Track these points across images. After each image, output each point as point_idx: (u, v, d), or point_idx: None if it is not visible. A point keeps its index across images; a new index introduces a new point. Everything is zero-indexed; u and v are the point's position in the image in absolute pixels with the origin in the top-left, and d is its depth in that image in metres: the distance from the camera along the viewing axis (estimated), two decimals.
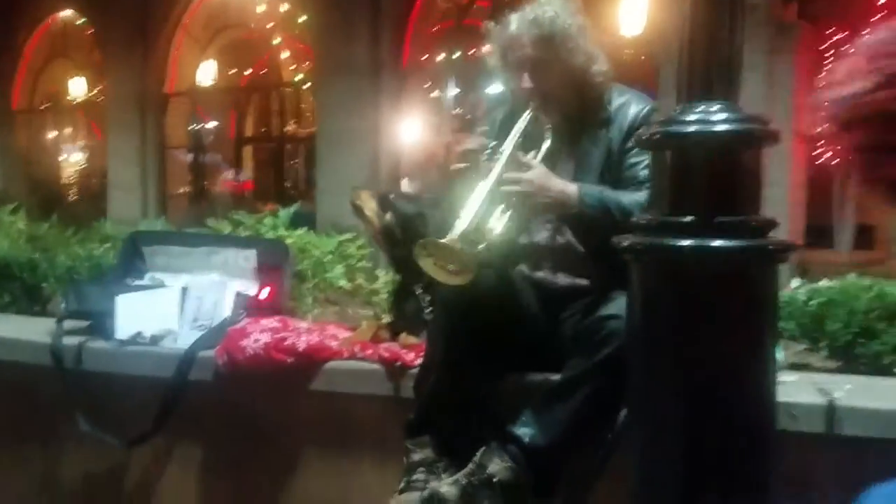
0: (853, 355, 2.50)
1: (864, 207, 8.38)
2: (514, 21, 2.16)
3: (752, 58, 1.66)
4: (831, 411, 2.07)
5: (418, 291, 2.47)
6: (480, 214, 1.99)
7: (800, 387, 2.24)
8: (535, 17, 2.13)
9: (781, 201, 7.36)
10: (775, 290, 1.69)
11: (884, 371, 2.47)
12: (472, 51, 10.76)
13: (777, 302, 1.76)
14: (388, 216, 2.47)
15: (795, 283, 2.76)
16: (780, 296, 2.49)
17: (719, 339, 1.59)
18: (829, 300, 2.56)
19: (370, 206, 2.51)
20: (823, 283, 2.73)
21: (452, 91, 10.35)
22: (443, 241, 1.88)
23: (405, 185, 10.77)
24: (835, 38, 7.74)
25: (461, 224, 1.92)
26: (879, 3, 7.46)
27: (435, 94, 11.31)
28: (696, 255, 1.58)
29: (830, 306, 2.54)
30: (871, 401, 2.10)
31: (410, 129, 10.57)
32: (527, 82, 2.16)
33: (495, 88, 11.39)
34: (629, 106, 2.21)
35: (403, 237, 2.41)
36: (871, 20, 7.48)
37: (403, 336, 2.49)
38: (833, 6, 7.60)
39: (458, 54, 10.32)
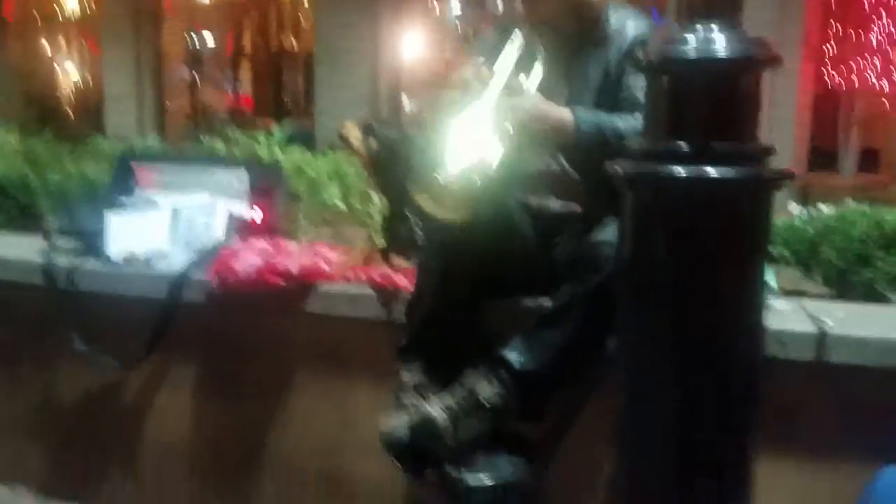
0: (848, 283, 2.49)
1: (870, 131, 8.29)
2: None
3: None
4: (822, 339, 2.07)
5: (409, 215, 2.44)
6: (475, 145, 1.93)
7: (791, 315, 2.24)
8: None
9: (787, 123, 7.25)
10: (769, 218, 1.66)
11: (878, 298, 2.47)
12: None
13: (770, 231, 1.73)
14: (374, 145, 2.43)
15: (794, 208, 2.72)
16: (778, 221, 2.48)
17: (708, 267, 1.57)
18: (826, 226, 2.54)
19: (355, 134, 2.47)
20: (822, 209, 2.70)
21: (455, 5, 10.06)
22: (438, 177, 1.84)
23: (405, 103, 10.61)
24: None
25: (456, 158, 1.87)
26: None
27: (437, 9, 11.01)
28: (689, 183, 1.53)
29: (827, 233, 2.52)
30: (862, 329, 2.10)
31: (411, 45, 10.33)
32: (519, 6, 2.09)
33: (497, 6, 11.10)
34: (627, 26, 2.13)
35: (388, 163, 2.38)
36: None
37: (394, 259, 2.47)
38: None
39: None
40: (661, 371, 1.60)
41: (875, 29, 7.46)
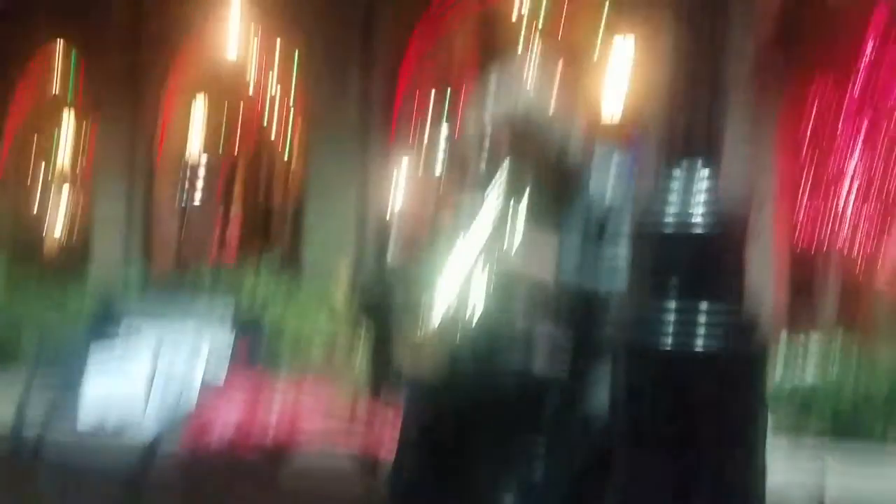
0: (839, 446, 2.42)
1: (847, 282, 8.37)
2: (489, 100, 2.15)
3: (734, 124, 1.64)
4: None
5: (387, 359, 2.39)
6: (456, 301, 1.91)
7: (790, 476, 2.15)
8: (512, 93, 2.12)
9: (766, 283, 7.29)
10: (765, 383, 1.62)
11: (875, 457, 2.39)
12: (468, 91, 10.87)
13: (765, 395, 1.69)
14: (360, 295, 2.44)
15: (781, 369, 2.69)
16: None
17: (708, 433, 1.52)
18: (816, 386, 2.49)
19: (343, 276, 2.49)
20: (805, 372, 2.67)
21: (440, 153, 10.40)
22: (417, 333, 1.80)
23: (393, 246, 10.75)
24: (819, 91, 7.78)
25: (436, 314, 1.84)
26: (866, 55, 7.50)
27: (425, 157, 11.40)
28: (681, 350, 1.51)
29: (819, 392, 2.47)
30: (864, 491, 2.01)
31: (399, 193, 10.60)
32: (503, 159, 2.13)
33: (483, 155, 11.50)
34: (609, 180, 2.17)
35: (374, 311, 2.39)
36: (857, 73, 7.53)
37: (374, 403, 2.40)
38: (820, 59, 7.64)
39: (447, 119, 10.43)
40: None
41: (846, 168, 7.70)
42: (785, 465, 2.24)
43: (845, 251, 7.65)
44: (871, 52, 7.40)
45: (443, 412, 2.00)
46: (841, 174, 7.68)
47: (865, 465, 2.36)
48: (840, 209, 7.62)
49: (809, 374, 2.52)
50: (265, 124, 12.88)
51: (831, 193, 7.72)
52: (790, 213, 7.87)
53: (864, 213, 7.55)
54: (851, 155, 7.63)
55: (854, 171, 7.59)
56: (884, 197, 7.47)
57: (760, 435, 1.55)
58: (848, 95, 7.50)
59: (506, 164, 2.12)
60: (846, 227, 7.56)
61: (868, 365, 2.50)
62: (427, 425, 2.04)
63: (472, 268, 1.97)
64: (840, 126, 7.60)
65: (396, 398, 2.37)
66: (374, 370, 2.53)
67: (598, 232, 2.12)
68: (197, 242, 13.46)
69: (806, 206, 7.80)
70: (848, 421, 2.35)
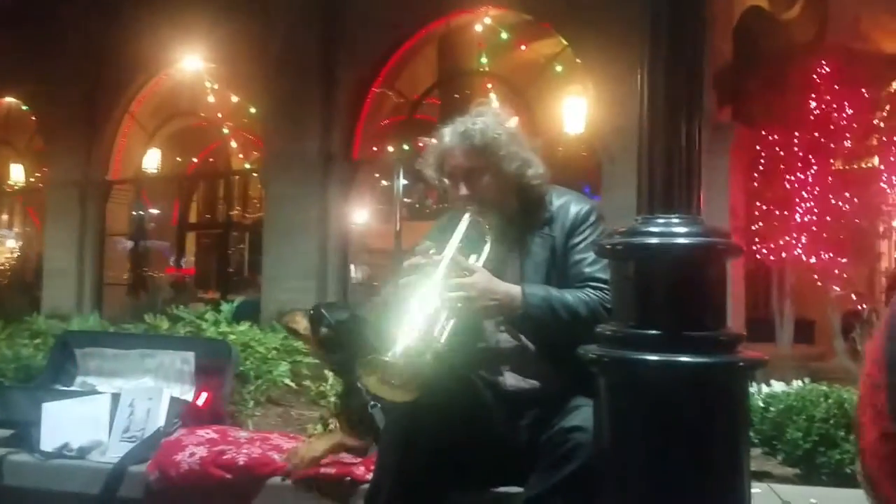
0: (813, 464, 2.45)
1: (803, 303, 8.62)
2: (447, 134, 2.23)
3: None
4: None
5: (359, 384, 2.37)
6: (424, 323, 1.90)
7: (764, 500, 2.17)
8: (465, 129, 2.18)
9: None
10: (746, 403, 1.64)
11: (844, 480, 2.42)
12: (422, 143, 10.96)
13: (748, 415, 1.71)
14: (323, 330, 2.41)
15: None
16: None
17: (691, 452, 1.53)
18: (788, 406, 2.53)
19: (303, 325, 2.48)
20: (777, 387, 2.70)
21: (402, 181, 10.42)
22: (386, 358, 1.79)
23: (353, 272, 10.69)
24: (768, 139, 8.11)
25: (404, 337, 1.84)
26: (811, 106, 7.86)
27: (385, 183, 11.39)
28: (664, 370, 1.53)
29: (789, 413, 2.51)
30: None
31: (360, 217, 10.57)
32: (463, 190, 2.18)
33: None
34: (570, 205, 2.23)
35: (338, 345, 2.38)
36: (803, 122, 7.87)
37: (343, 438, 2.36)
38: (766, 109, 7.97)
39: (407, 146, 10.46)
40: None
41: (798, 208, 7.95)
42: (757, 482, 2.27)
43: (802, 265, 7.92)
44: (816, 106, 7.73)
45: (420, 435, 1.99)
46: (792, 206, 7.93)
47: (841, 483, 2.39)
48: (795, 227, 7.88)
49: (781, 397, 2.55)
50: (225, 146, 12.81)
51: (785, 212, 7.98)
52: (745, 231, 8.10)
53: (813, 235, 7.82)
54: (801, 191, 7.90)
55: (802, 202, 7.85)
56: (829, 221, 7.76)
57: (744, 451, 1.57)
58: (796, 143, 7.79)
59: (467, 191, 2.16)
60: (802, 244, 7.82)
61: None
62: (405, 448, 2.02)
63: (441, 290, 1.97)
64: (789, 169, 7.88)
65: (372, 423, 2.34)
66: (346, 395, 2.50)
67: (564, 249, 2.16)
68: (153, 270, 13.22)
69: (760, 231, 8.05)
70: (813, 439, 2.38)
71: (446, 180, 2.25)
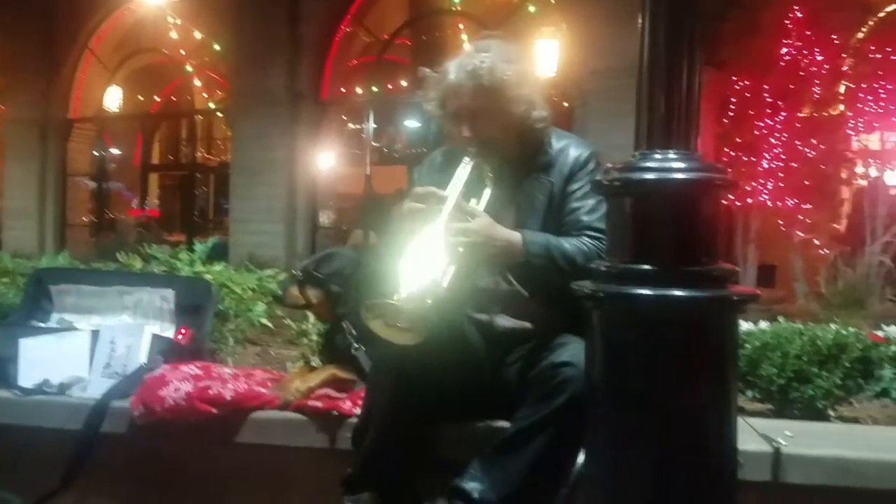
0: (787, 399, 2.53)
1: (766, 248, 8.80)
2: (453, 70, 2.12)
3: None
4: (777, 459, 2.07)
5: (344, 325, 2.37)
6: (427, 267, 1.89)
7: (742, 433, 2.23)
8: (474, 67, 2.08)
9: None
10: (736, 337, 1.68)
11: (816, 414, 2.51)
12: (392, 85, 10.82)
13: (737, 349, 1.75)
14: (334, 287, 2.42)
15: None
16: None
17: (682, 386, 1.56)
18: (764, 343, 2.59)
19: (295, 295, 2.47)
20: (744, 326, 2.76)
21: (372, 124, 10.29)
22: (390, 301, 1.78)
23: (322, 217, 10.60)
24: (739, 85, 8.14)
25: (408, 281, 1.83)
26: (782, 51, 7.90)
27: (354, 126, 11.24)
28: (658, 304, 1.55)
29: (765, 350, 2.57)
30: (814, 448, 2.11)
31: (328, 160, 10.44)
32: (466, 131, 2.12)
33: (414, 122, 11.44)
34: (569, 150, 2.19)
35: (337, 299, 2.40)
36: (773, 68, 7.91)
37: (335, 370, 2.37)
38: (738, 54, 7.98)
39: (377, 88, 10.30)
40: (636, 489, 1.55)
41: (766, 154, 8.05)
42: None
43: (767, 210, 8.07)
44: (787, 52, 7.76)
45: (409, 374, 2.00)
46: (759, 152, 8.03)
47: (812, 418, 2.47)
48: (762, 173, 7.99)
49: (757, 335, 2.61)
50: (189, 85, 12.47)
51: (752, 158, 8.08)
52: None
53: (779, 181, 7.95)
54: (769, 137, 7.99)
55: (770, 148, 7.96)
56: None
57: (733, 383, 1.61)
58: (766, 89, 7.85)
59: (470, 133, 2.11)
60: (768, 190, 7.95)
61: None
62: (394, 387, 2.04)
63: (436, 233, 1.95)
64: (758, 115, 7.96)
65: (355, 363, 2.36)
66: (330, 334, 2.50)
67: (562, 196, 2.14)
68: (116, 212, 12.96)
69: (729, 169, 8.14)
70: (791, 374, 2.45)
71: (448, 119, 2.17)
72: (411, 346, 1.83)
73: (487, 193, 2.12)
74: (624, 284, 1.57)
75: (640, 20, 1.62)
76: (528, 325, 2.17)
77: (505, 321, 2.18)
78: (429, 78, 2.18)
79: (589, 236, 2.05)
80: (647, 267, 1.56)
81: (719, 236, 1.63)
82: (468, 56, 2.12)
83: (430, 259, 1.91)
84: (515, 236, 2.04)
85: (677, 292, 1.53)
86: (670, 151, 1.59)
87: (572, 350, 1.92)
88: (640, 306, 1.55)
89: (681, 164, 1.57)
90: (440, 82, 2.14)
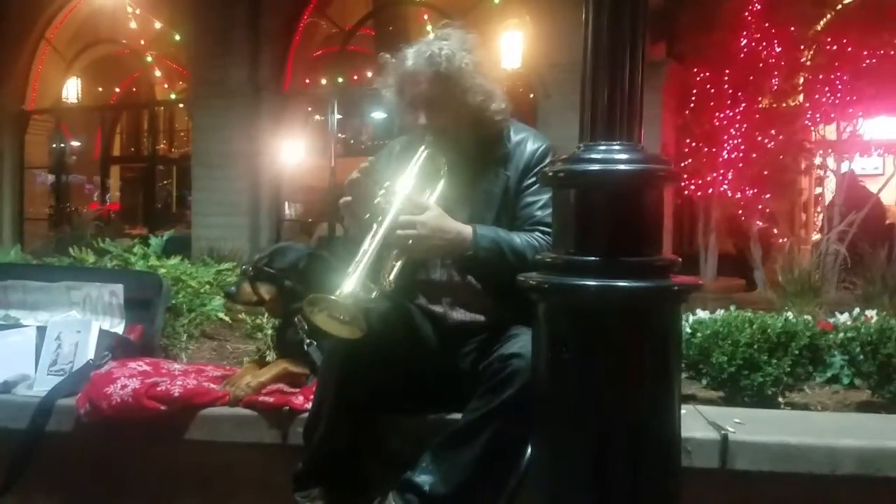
0: (737, 386, 2.56)
1: (726, 237, 8.92)
2: (411, 57, 2.09)
3: None
4: (725, 445, 2.09)
5: (296, 319, 2.35)
6: (372, 261, 1.87)
7: (691, 420, 2.25)
8: (431, 54, 2.06)
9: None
10: (679, 327, 1.69)
11: (766, 401, 2.55)
12: (356, 76, 10.75)
13: (681, 339, 1.76)
14: (287, 283, 2.41)
15: None
16: None
17: (626, 377, 1.57)
18: (714, 332, 2.62)
19: (248, 292, 2.44)
20: (701, 314, 2.79)
21: (336, 115, 10.20)
22: (332, 297, 1.76)
23: (287, 209, 10.51)
24: (699, 77, 8.22)
25: (352, 275, 1.80)
26: (741, 44, 7.98)
27: (318, 117, 11.14)
28: (602, 295, 1.55)
29: (715, 338, 2.60)
30: (761, 435, 2.14)
31: (292, 152, 10.34)
32: (422, 119, 2.09)
33: (379, 114, 11.38)
34: (526, 143, 2.17)
35: (302, 288, 2.34)
36: (733, 60, 7.99)
37: (287, 364, 2.35)
38: (698, 46, 8.06)
39: (341, 79, 10.21)
40: (582, 481, 1.56)
41: (726, 145, 8.14)
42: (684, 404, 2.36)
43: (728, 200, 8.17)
44: (746, 44, 7.85)
45: (358, 366, 1.99)
46: (719, 143, 8.13)
47: (763, 405, 2.50)
48: (722, 164, 8.09)
49: (708, 324, 2.64)
50: (149, 75, 12.26)
51: (712, 149, 8.18)
52: (674, 166, 8.30)
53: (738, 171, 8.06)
54: (729, 128, 8.09)
55: (730, 139, 8.05)
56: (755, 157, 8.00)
57: (676, 373, 1.62)
58: (726, 80, 7.93)
59: (426, 121, 2.09)
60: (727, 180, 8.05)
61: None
62: (342, 380, 2.02)
63: (387, 224, 1.93)
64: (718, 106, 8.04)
65: (308, 358, 2.34)
66: (283, 329, 2.48)
67: (517, 190, 2.14)
68: (76, 205, 12.72)
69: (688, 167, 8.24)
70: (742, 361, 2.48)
71: (404, 107, 2.14)
72: (354, 339, 1.81)
73: (441, 185, 2.10)
74: (568, 276, 1.57)
75: (583, 13, 1.62)
76: (480, 317, 2.16)
77: (457, 313, 2.18)
78: (387, 64, 2.16)
79: (542, 231, 2.05)
80: (590, 258, 1.56)
81: (662, 227, 1.64)
82: (427, 43, 2.10)
83: (375, 251, 1.89)
84: (466, 229, 2.03)
85: (620, 283, 1.54)
86: (614, 143, 1.60)
87: (522, 341, 1.92)
88: (584, 297, 1.56)
89: (623, 156, 1.58)
90: (398, 68, 2.12)
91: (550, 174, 1.65)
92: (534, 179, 2.11)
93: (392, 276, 1.92)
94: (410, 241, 1.95)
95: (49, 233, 11.06)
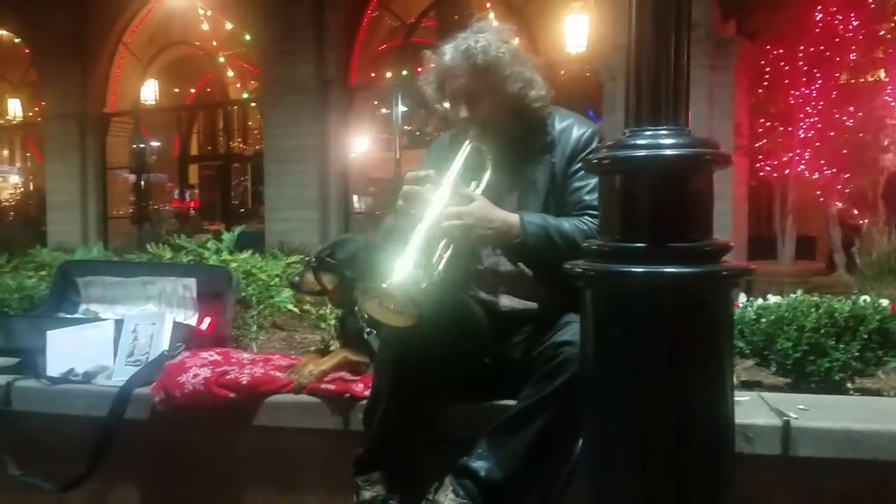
0: (803, 372, 2.50)
1: (804, 220, 8.62)
2: (448, 52, 2.13)
3: (692, 73, 1.65)
4: (787, 432, 2.05)
5: (356, 309, 2.41)
6: (422, 251, 1.90)
7: (753, 407, 2.22)
8: (468, 47, 2.10)
9: (725, 214, 7.50)
10: (730, 313, 1.67)
11: (834, 387, 2.48)
12: (420, 68, 10.78)
13: (732, 325, 1.74)
14: (347, 273, 2.44)
15: (742, 298, 2.75)
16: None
17: (675, 365, 1.56)
18: (779, 317, 2.56)
19: (311, 282, 2.50)
20: (772, 299, 2.73)
21: (401, 108, 10.30)
22: (384, 285, 1.80)
23: (356, 202, 10.69)
24: (773, 54, 7.95)
25: (402, 265, 1.84)
26: (816, 18, 7.68)
27: (383, 110, 11.27)
28: (649, 282, 1.54)
29: (780, 324, 2.54)
30: (824, 421, 2.09)
31: (359, 146, 10.50)
32: (464, 112, 2.13)
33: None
34: (571, 129, 2.17)
35: (350, 284, 2.40)
36: (808, 35, 7.70)
37: (348, 353, 2.42)
38: (771, 22, 7.79)
39: (405, 72, 10.29)
40: (629, 469, 1.56)
41: (802, 124, 7.86)
42: (744, 392, 2.33)
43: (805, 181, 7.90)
44: (822, 18, 7.55)
45: (411, 355, 2.03)
46: (795, 121, 7.85)
47: (830, 391, 2.44)
48: (798, 144, 7.82)
49: (773, 308, 2.58)
50: (221, 75, 12.60)
51: (788, 129, 7.91)
52: (749, 147, 8.04)
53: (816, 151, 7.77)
54: (805, 106, 7.80)
55: (806, 118, 7.77)
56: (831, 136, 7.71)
57: (727, 360, 1.60)
58: (801, 57, 7.65)
59: (468, 114, 2.12)
60: (805, 160, 7.78)
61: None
62: (396, 369, 2.07)
63: (435, 216, 1.96)
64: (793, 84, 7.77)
65: (368, 346, 2.39)
66: (344, 319, 2.54)
67: (564, 176, 2.14)
68: (157, 202, 13.21)
69: (764, 140, 8.00)
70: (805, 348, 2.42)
71: (446, 103, 2.20)
72: (406, 328, 1.85)
73: (487, 176, 2.13)
74: (615, 262, 1.57)
75: None
76: (532, 305, 2.18)
77: (509, 301, 2.19)
78: (427, 60, 2.20)
79: (590, 215, 2.05)
80: (636, 245, 1.55)
81: (712, 211, 1.61)
82: (463, 38, 2.13)
83: (425, 242, 1.93)
84: (513, 217, 2.05)
85: (667, 269, 1.53)
86: (661, 128, 1.58)
87: (574, 329, 1.92)
88: (631, 284, 1.55)
89: (670, 141, 1.56)
90: (437, 65, 2.16)
91: (595, 161, 1.65)
92: (580, 165, 2.11)
93: (441, 267, 1.95)
94: (458, 232, 1.98)
95: (131, 230, 11.54)
